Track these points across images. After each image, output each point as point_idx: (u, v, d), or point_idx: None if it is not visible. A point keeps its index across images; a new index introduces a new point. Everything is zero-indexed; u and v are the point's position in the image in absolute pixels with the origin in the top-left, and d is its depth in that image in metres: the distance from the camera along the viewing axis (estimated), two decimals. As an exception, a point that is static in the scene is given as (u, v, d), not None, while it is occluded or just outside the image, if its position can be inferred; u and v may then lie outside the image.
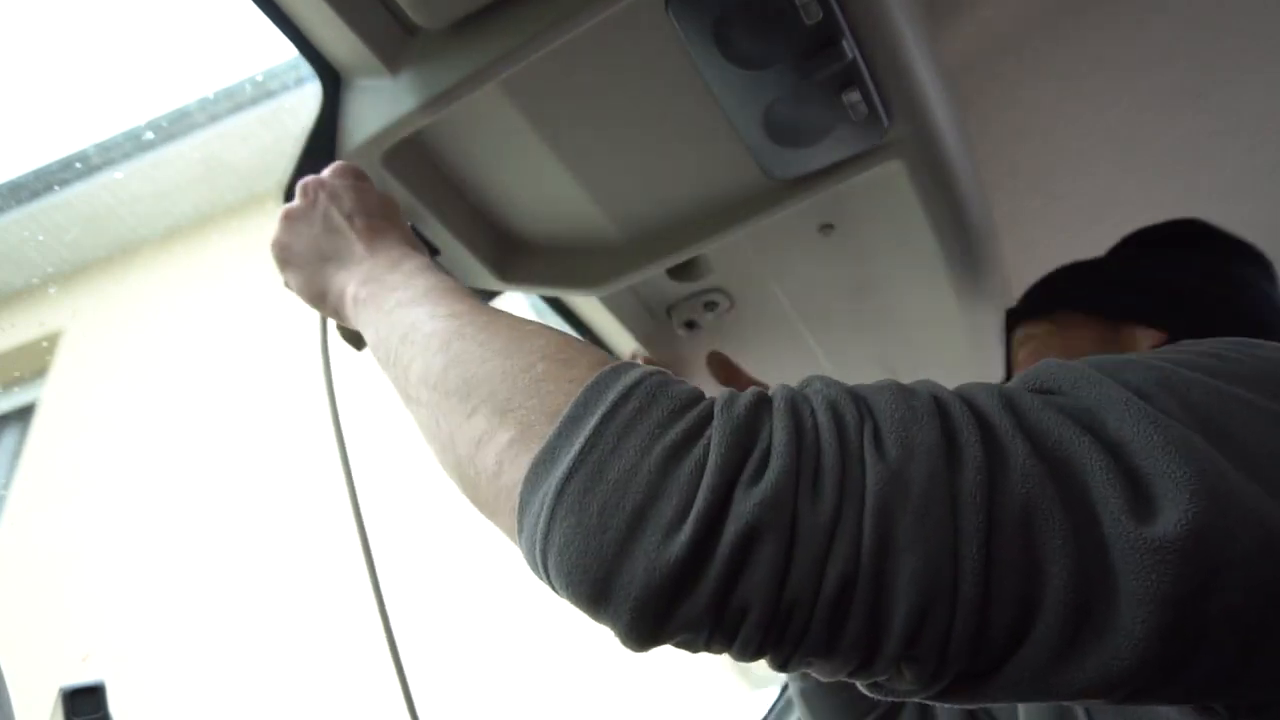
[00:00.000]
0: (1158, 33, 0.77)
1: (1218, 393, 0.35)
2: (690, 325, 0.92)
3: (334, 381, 0.70)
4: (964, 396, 0.37)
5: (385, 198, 0.65)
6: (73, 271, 3.60)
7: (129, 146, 3.28)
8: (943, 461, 0.33)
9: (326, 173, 0.64)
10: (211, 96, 3.18)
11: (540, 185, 0.75)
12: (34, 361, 3.46)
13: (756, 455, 0.34)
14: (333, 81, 0.68)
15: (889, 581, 0.32)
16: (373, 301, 0.55)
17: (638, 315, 0.93)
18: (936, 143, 0.68)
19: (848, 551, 0.32)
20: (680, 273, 0.87)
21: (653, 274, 0.81)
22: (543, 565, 0.36)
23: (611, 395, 0.37)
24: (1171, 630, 0.30)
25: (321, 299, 0.62)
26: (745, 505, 0.32)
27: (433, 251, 0.77)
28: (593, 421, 0.36)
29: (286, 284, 0.65)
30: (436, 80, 0.61)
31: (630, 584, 0.33)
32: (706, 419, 0.36)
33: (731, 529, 0.32)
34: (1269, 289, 0.74)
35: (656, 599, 0.33)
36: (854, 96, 0.61)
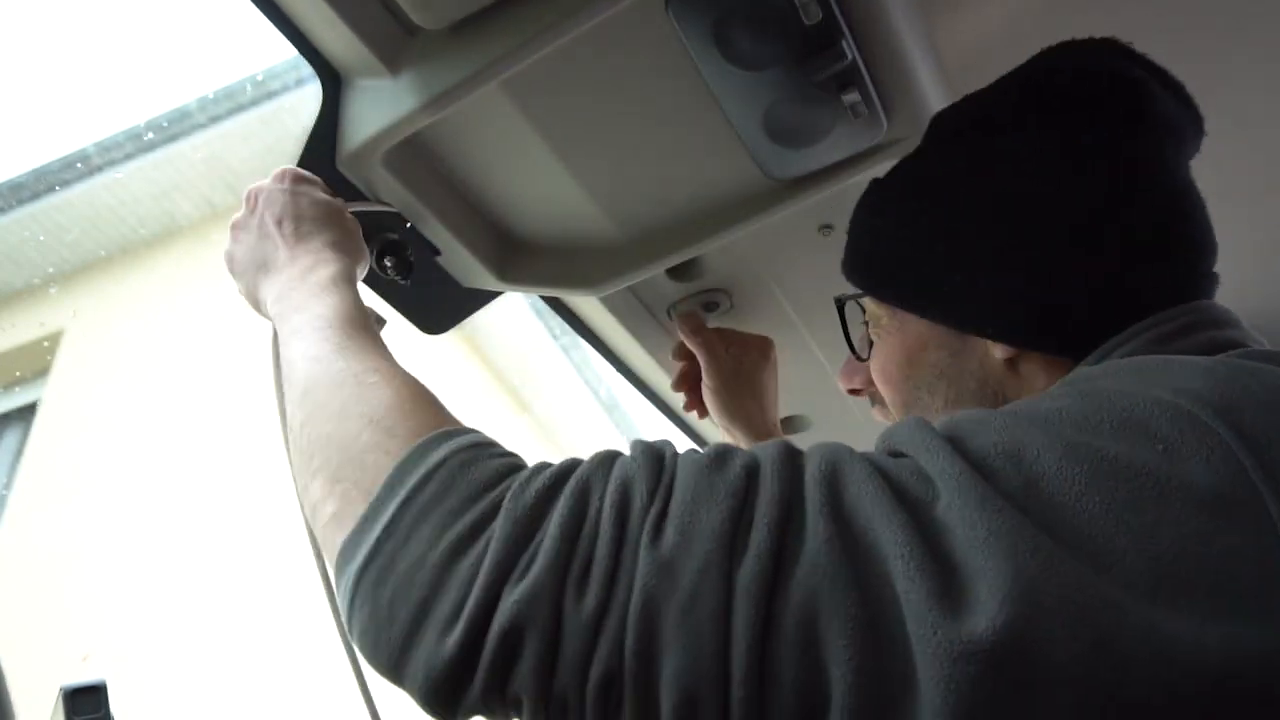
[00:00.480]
0: (1157, 33, 0.77)
1: (1070, 452, 0.32)
2: (690, 325, 0.92)
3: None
4: (792, 463, 0.35)
5: (325, 201, 0.65)
6: (73, 271, 3.61)
7: (129, 146, 3.28)
8: (723, 550, 0.31)
9: (267, 179, 0.66)
10: (211, 96, 3.18)
11: (540, 185, 0.75)
12: (35, 361, 3.46)
13: (530, 550, 0.35)
14: (333, 82, 0.68)
15: (653, 680, 0.31)
16: (280, 319, 0.58)
17: (638, 315, 0.93)
18: (936, 143, 0.68)
19: (610, 649, 0.32)
20: (680, 273, 0.87)
21: (653, 274, 0.81)
22: (354, 640, 0.39)
23: (414, 479, 0.39)
24: None
25: (258, 306, 0.64)
26: (507, 603, 0.33)
27: (433, 251, 0.77)
28: (392, 507, 0.38)
29: (239, 292, 0.66)
30: (436, 80, 0.61)
31: (415, 674, 0.35)
32: (497, 508, 0.36)
33: (496, 626, 0.33)
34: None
35: (439, 688, 0.34)
36: (853, 97, 0.61)
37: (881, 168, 0.69)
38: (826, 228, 0.82)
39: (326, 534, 0.42)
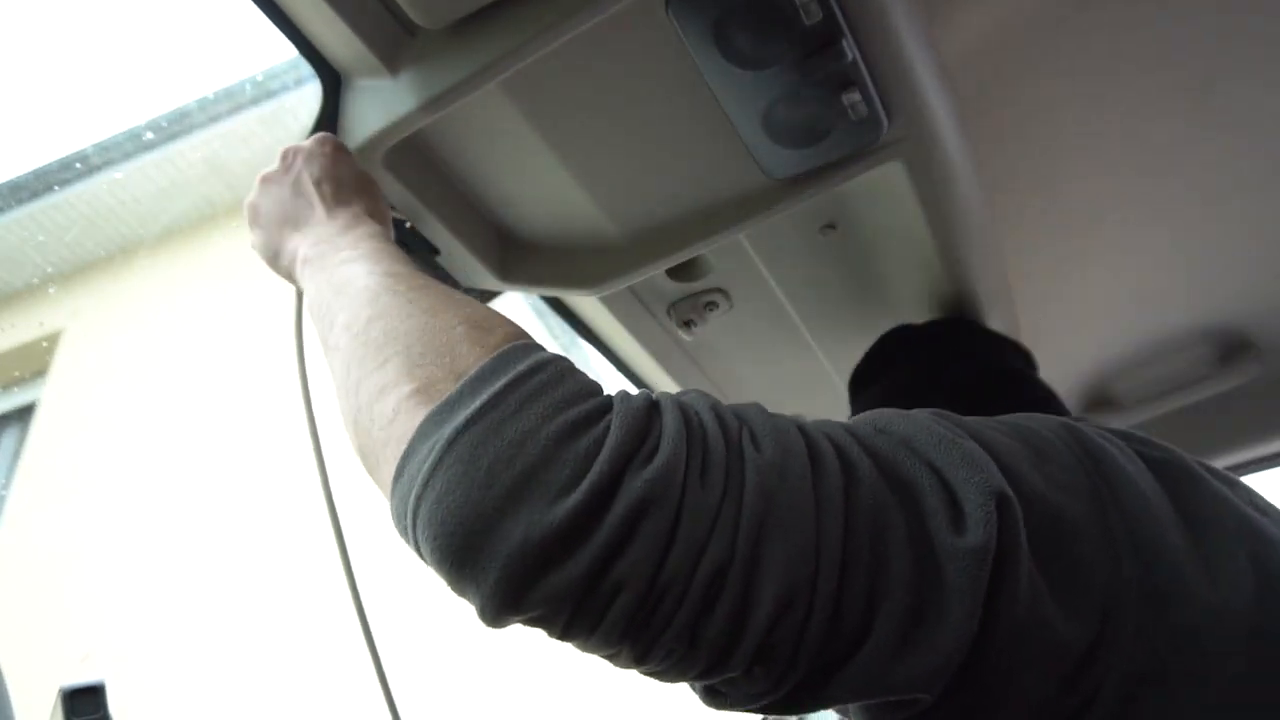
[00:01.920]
0: (1158, 32, 0.77)
1: (975, 421, 0.43)
2: (690, 325, 0.92)
3: (307, 368, 0.70)
4: (814, 424, 0.40)
5: (362, 173, 0.65)
6: (73, 271, 3.61)
7: (129, 146, 3.28)
8: (809, 468, 0.36)
9: (308, 141, 0.65)
10: (211, 96, 3.18)
11: (540, 185, 0.75)
12: (34, 361, 3.46)
13: (650, 442, 0.35)
14: (333, 82, 0.68)
15: (758, 569, 0.33)
16: (319, 261, 0.55)
17: (638, 315, 0.93)
18: (936, 143, 0.68)
19: (726, 538, 0.33)
20: (680, 273, 0.87)
21: (653, 274, 0.81)
22: (412, 516, 0.36)
23: (521, 366, 0.38)
24: (993, 612, 0.35)
25: (276, 259, 0.63)
26: (636, 482, 0.33)
27: (433, 251, 0.77)
28: (499, 384, 0.37)
29: (253, 245, 0.66)
30: (436, 80, 0.61)
31: (505, 541, 0.32)
32: (606, 407, 0.37)
33: (621, 503, 0.33)
34: (1033, 376, 0.83)
35: (529, 561, 0.32)
36: (854, 96, 0.61)
37: (882, 167, 0.69)
38: (827, 228, 0.82)
39: (401, 410, 0.39)
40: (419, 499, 0.35)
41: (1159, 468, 0.44)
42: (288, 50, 0.65)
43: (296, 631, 2.70)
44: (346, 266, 0.52)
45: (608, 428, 0.35)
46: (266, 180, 0.65)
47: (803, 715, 0.42)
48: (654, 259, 0.79)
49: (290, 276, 0.62)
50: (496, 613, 0.34)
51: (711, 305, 0.91)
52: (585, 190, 0.75)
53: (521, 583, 0.33)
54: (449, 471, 0.34)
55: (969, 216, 0.77)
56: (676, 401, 0.38)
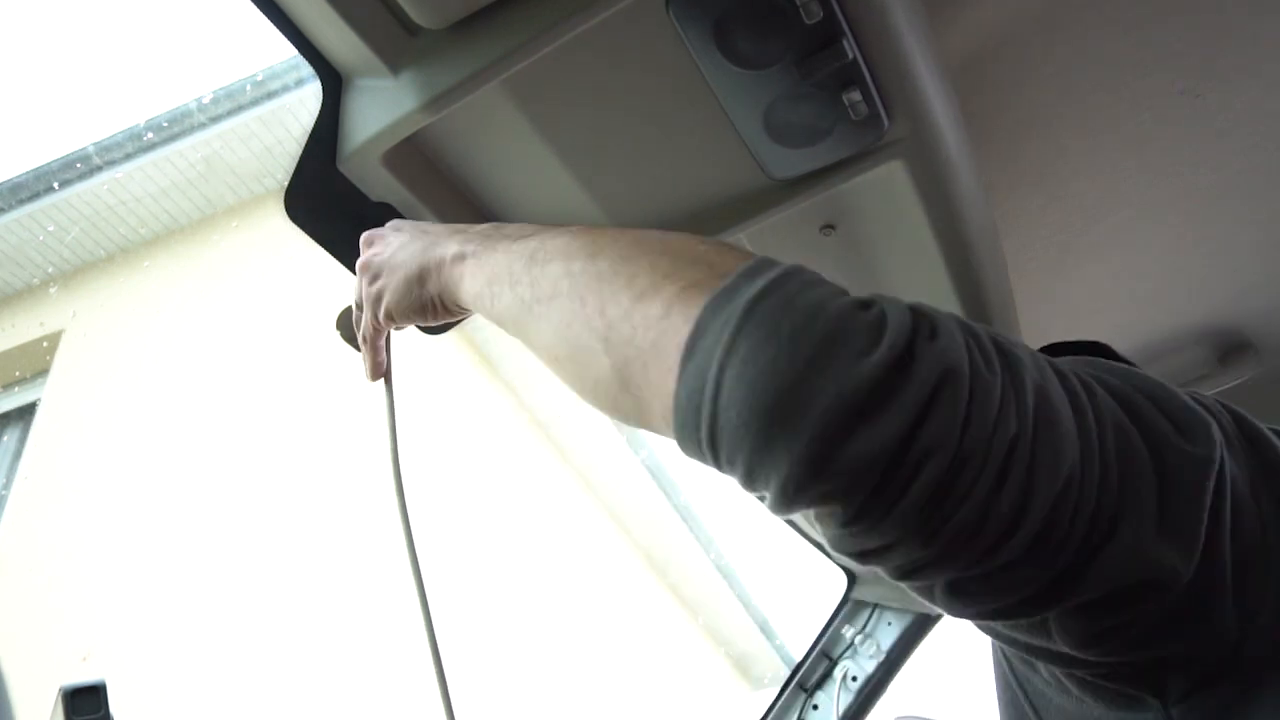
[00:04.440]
0: (1158, 33, 0.77)
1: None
2: (690, 325, 0.92)
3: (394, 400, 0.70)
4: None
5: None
6: (73, 271, 3.61)
7: (129, 146, 3.29)
8: (1060, 379, 0.38)
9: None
10: (211, 96, 3.19)
11: (540, 185, 0.75)
12: (34, 361, 3.46)
13: (925, 325, 0.36)
14: (333, 82, 0.68)
15: (1041, 449, 0.34)
16: (484, 250, 0.54)
17: (638, 315, 0.93)
18: (936, 143, 0.68)
19: (1013, 412, 0.34)
20: (680, 273, 0.87)
21: (653, 274, 0.81)
22: (714, 386, 0.35)
23: (781, 266, 0.38)
24: (1209, 533, 0.37)
25: (421, 280, 0.59)
26: (932, 351, 0.34)
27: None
28: (773, 274, 0.37)
29: (379, 294, 0.62)
30: (437, 80, 0.61)
31: (818, 396, 0.32)
32: (871, 300, 0.37)
33: (923, 367, 0.33)
34: None
35: (842, 418, 0.32)
36: (854, 96, 0.61)
37: (882, 167, 0.69)
38: (828, 228, 0.82)
39: (675, 305, 0.38)
40: (722, 367, 0.35)
41: None
42: (288, 50, 0.65)
43: (296, 631, 2.70)
44: (522, 241, 0.50)
45: (883, 310, 0.36)
46: (372, 239, 0.64)
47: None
48: (654, 259, 0.79)
49: (440, 282, 0.58)
50: (801, 481, 0.33)
51: (712, 305, 0.91)
52: (585, 190, 0.75)
53: (834, 442, 0.32)
54: (751, 337, 0.34)
55: (969, 216, 0.77)
56: (926, 307, 0.39)
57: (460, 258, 0.56)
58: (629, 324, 0.40)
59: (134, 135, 3.26)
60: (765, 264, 0.39)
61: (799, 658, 1.49)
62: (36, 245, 3.47)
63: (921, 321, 0.36)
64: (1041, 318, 1.07)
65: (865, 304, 0.37)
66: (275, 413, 3.07)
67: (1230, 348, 1.16)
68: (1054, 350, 0.89)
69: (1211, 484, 0.38)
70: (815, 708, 1.42)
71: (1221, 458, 0.39)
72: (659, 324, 0.39)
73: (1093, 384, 0.40)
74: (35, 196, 3.36)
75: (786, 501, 0.34)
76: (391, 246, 0.62)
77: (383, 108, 0.64)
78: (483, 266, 0.53)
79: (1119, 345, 0.87)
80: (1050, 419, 0.35)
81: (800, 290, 0.36)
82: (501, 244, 0.53)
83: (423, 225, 0.62)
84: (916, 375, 0.33)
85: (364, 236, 0.66)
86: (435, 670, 0.63)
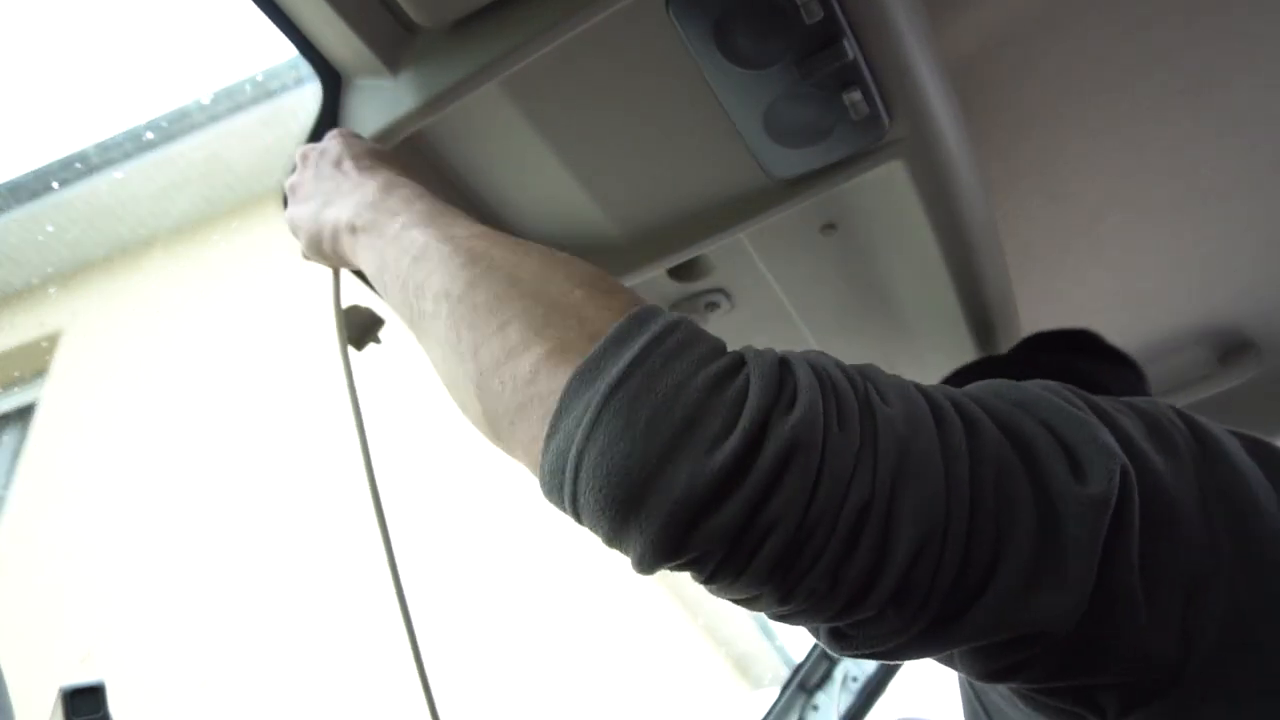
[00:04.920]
0: (1158, 33, 0.77)
1: (1088, 395, 0.44)
2: (690, 325, 0.92)
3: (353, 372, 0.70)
4: (929, 386, 0.41)
5: (381, 148, 0.63)
6: (73, 271, 3.60)
7: (129, 146, 3.28)
8: (932, 419, 0.38)
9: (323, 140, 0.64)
10: (211, 96, 3.18)
11: (540, 185, 0.75)
12: (34, 361, 3.46)
13: (787, 392, 0.37)
14: (333, 81, 0.68)
15: (897, 509, 0.35)
16: (373, 228, 0.53)
17: (638, 315, 0.92)
18: (937, 142, 0.68)
19: (867, 478, 0.35)
20: (680, 273, 0.87)
21: (653, 274, 0.81)
22: (574, 471, 0.37)
23: (655, 327, 0.39)
24: (1105, 571, 0.36)
25: (317, 240, 0.59)
26: (783, 427, 0.35)
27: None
28: (640, 343, 0.38)
29: (290, 223, 0.63)
30: (436, 80, 0.61)
31: (669, 489, 0.34)
32: (741, 361, 0.38)
33: (771, 447, 0.34)
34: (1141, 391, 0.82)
35: (692, 507, 0.34)
36: (855, 96, 0.61)
37: (883, 167, 0.69)
38: (828, 228, 0.82)
39: (541, 370, 0.39)
40: (580, 453, 0.36)
41: (1252, 447, 0.45)
42: (288, 50, 0.65)
43: (296, 631, 2.70)
44: (410, 232, 0.50)
45: (748, 378, 0.37)
46: (291, 188, 0.63)
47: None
48: (655, 259, 0.79)
49: (336, 253, 0.58)
50: (655, 559, 0.35)
51: (712, 305, 0.91)
52: (585, 190, 0.75)
53: (684, 527, 0.34)
54: (609, 426, 0.35)
55: (970, 216, 0.77)
56: (804, 358, 0.39)
57: (351, 229, 0.55)
58: (498, 378, 0.41)
59: (134, 135, 3.25)
60: (635, 326, 0.39)
61: (799, 658, 1.49)
62: (36, 245, 3.47)
63: (784, 392, 0.36)
64: (1041, 318, 1.07)
65: (731, 372, 0.37)
66: (275, 413, 3.07)
67: (1230, 348, 1.16)
68: (1037, 341, 0.87)
69: (1104, 524, 0.36)
70: (815, 708, 1.42)
71: (1121, 510, 0.37)
72: (526, 389, 0.40)
73: (980, 421, 0.39)
74: (35, 196, 3.35)
75: (645, 571, 0.37)
76: (305, 181, 0.62)
77: (382, 107, 0.64)
78: (373, 247, 0.52)
79: (1119, 344, 0.87)
80: (913, 476, 0.35)
81: (665, 365, 0.37)
82: (388, 225, 0.52)
83: (322, 171, 0.60)
84: (766, 454, 0.34)
85: (299, 151, 0.64)
86: (415, 666, 0.63)
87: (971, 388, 0.44)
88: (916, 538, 0.35)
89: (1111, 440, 0.39)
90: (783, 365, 0.38)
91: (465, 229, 0.49)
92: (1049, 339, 0.89)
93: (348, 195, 0.57)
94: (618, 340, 0.38)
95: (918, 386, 0.41)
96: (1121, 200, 0.96)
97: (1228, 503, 0.40)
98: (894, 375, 0.42)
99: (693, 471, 0.34)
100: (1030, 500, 0.37)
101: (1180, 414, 0.45)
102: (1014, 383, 0.44)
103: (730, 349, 0.40)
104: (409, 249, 0.49)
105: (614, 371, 0.37)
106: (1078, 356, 0.85)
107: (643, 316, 0.39)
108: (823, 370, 0.39)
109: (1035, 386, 0.43)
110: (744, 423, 0.34)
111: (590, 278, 0.44)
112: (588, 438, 0.36)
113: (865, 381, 0.39)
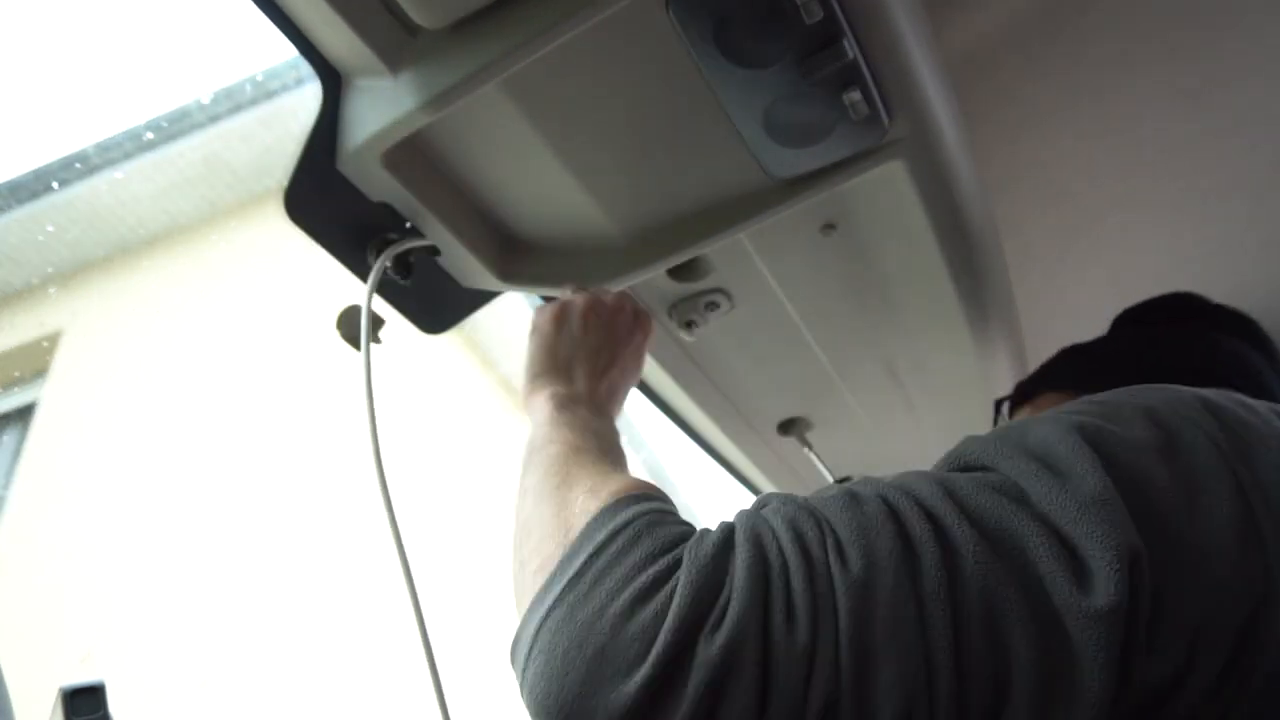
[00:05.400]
0: (1158, 33, 0.77)
1: (1099, 433, 0.39)
2: (691, 326, 0.92)
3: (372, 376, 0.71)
4: (907, 490, 0.39)
5: (640, 344, 0.72)
6: (73, 271, 3.60)
7: (129, 146, 3.28)
8: (904, 567, 0.35)
9: (617, 299, 0.72)
10: (211, 96, 3.18)
11: (540, 185, 0.75)
12: (34, 361, 3.46)
13: (722, 598, 0.35)
14: (333, 81, 0.68)
15: (871, 693, 0.33)
16: (528, 408, 0.63)
17: (638, 315, 0.92)
18: (937, 142, 0.68)
19: (829, 673, 0.33)
20: (680, 273, 0.87)
21: (653, 274, 0.81)
22: (521, 676, 0.39)
23: (602, 535, 0.40)
24: (1129, 681, 0.33)
25: (533, 377, 0.67)
26: (710, 650, 0.33)
27: (432, 252, 0.77)
28: (579, 561, 0.39)
29: (531, 340, 0.70)
30: (436, 80, 0.61)
31: (592, 716, 0.34)
32: (677, 563, 0.37)
33: (699, 672, 0.33)
34: (1253, 352, 0.71)
35: None
36: (855, 96, 0.61)
37: (883, 167, 0.69)
38: (828, 228, 0.82)
39: (524, 589, 0.43)
40: (524, 670, 0.39)
41: None
42: (288, 50, 0.65)
43: (296, 631, 2.70)
44: (533, 430, 0.58)
45: (673, 592, 0.36)
46: (565, 315, 0.69)
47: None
48: (654, 259, 0.79)
49: (530, 396, 0.65)
50: None
51: (712, 305, 0.91)
52: (585, 190, 0.75)
53: None
54: (535, 663, 0.37)
55: (970, 216, 0.77)
56: (753, 532, 0.38)
57: (525, 394, 0.65)
58: (518, 581, 0.46)
59: (134, 135, 3.25)
60: (589, 536, 0.41)
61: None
62: (36, 245, 3.47)
63: (717, 599, 0.35)
64: (1041, 318, 1.07)
65: (656, 585, 0.36)
66: (275, 413, 3.07)
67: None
68: (1138, 310, 0.81)
69: (1119, 634, 0.33)
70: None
71: (1135, 604, 0.34)
72: (519, 598, 0.44)
73: (961, 546, 0.35)
74: (35, 196, 3.35)
75: None
76: (536, 336, 0.70)
77: (382, 107, 0.64)
78: (529, 417, 0.62)
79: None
80: (882, 650, 0.33)
81: (590, 589, 0.37)
82: (536, 411, 0.61)
83: (584, 347, 0.68)
84: (692, 682, 0.33)
85: (553, 307, 0.71)
86: (428, 664, 0.63)
87: (962, 459, 0.41)
88: (901, 713, 0.32)
89: (1122, 520, 0.35)
90: (722, 559, 0.37)
91: (576, 442, 0.55)
92: (1153, 307, 0.78)
93: (538, 375, 0.66)
94: (566, 559, 0.40)
95: (891, 508, 0.37)
96: (1121, 200, 0.96)
97: (1269, 498, 0.37)
98: (864, 500, 0.38)
99: (608, 705, 0.34)
100: (1029, 632, 0.34)
101: (1208, 405, 0.42)
102: (1007, 448, 0.40)
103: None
104: (530, 441, 0.57)
105: (549, 601, 0.39)
106: (1250, 347, 0.70)
107: (597, 523, 0.41)
108: (772, 548, 0.37)
109: (1043, 433, 0.39)
110: (658, 648, 0.34)
111: (597, 479, 0.47)
112: (528, 659, 0.38)
113: (825, 537, 0.37)
